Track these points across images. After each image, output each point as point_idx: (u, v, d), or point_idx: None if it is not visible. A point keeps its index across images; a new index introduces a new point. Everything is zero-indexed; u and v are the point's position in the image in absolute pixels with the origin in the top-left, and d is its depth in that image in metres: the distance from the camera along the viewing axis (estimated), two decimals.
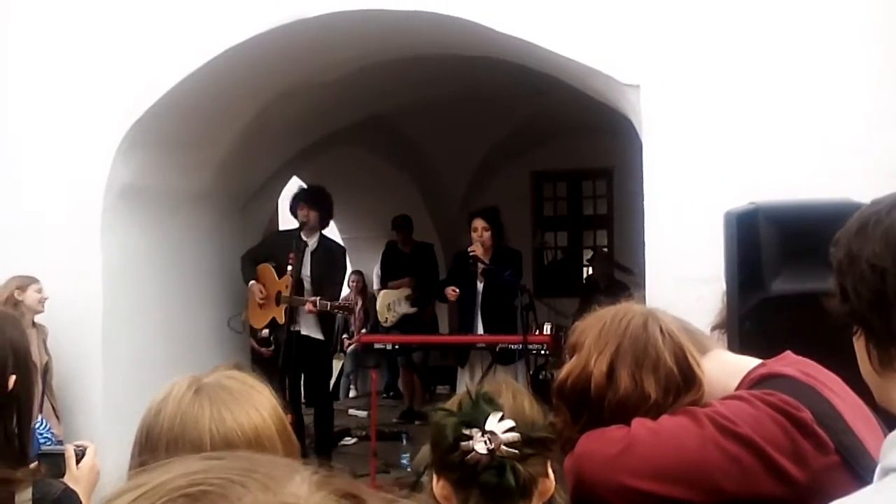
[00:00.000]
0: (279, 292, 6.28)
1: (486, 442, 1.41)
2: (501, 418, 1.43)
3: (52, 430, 4.79)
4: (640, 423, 1.53)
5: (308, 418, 6.74)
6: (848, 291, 1.10)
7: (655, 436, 1.50)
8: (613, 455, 1.50)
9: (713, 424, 1.47)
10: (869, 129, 4.07)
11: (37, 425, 4.68)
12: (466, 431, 1.43)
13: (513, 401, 1.50)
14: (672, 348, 1.58)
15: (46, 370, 5.14)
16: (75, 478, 2.09)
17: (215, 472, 0.56)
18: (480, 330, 6.27)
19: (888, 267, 1.05)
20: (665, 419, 1.53)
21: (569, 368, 1.63)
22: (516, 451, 1.42)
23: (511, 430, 1.42)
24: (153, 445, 1.34)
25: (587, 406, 1.58)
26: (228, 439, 1.31)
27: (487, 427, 1.42)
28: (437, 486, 1.49)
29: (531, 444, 1.45)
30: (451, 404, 1.50)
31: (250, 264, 6.49)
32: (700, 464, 1.45)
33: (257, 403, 1.36)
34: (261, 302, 6.38)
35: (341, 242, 7.88)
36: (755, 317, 2.09)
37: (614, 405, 1.56)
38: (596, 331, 1.62)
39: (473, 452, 1.42)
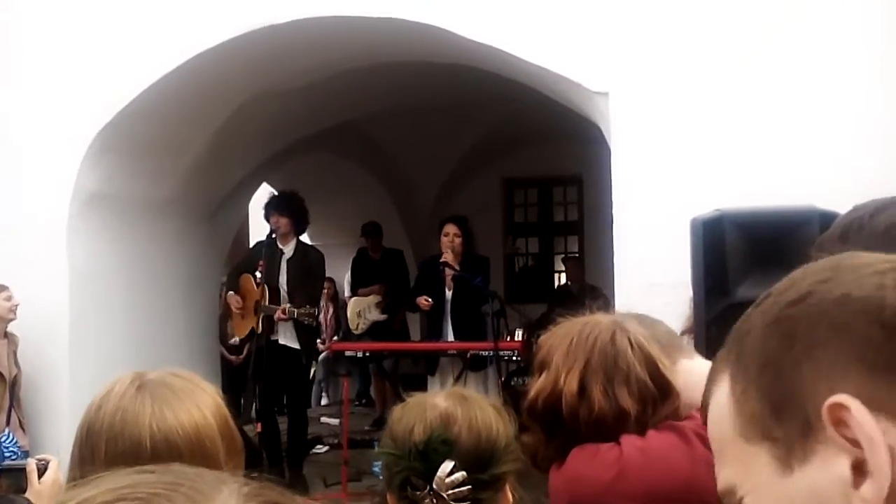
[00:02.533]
0: (257, 301, 6.24)
1: (432, 501, 1.38)
2: (452, 470, 1.38)
3: (17, 444, 4.70)
4: (629, 443, 1.51)
5: (281, 426, 6.69)
6: None
7: (646, 456, 1.49)
8: (608, 481, 1.49)
9: (702, 441, 1.45)
10: (834, 137, 4.13)
11: (3, 438, 4.61)
12: (414, 480, 1.39)
13: (468, 433, 1.44)
14: (643, 359, 1.56)
15: (15, 383, 5.03)
16: (37, 492, 2.04)
17: (142, 487, 0.56)
18: (450, 337, 6.25)
19: None
20: (653, 436, 1.52)
21: (538, 387, 1.59)
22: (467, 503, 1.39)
23: (462, 483, 1.38)
24: (93, 442, 1.31)
25: (561, 425, 1.56)
26: (169, 437, 1.29)
27: (435, 485, 1.38)
28: (389, 499, 1.48)
29: (484, 486, 1.41)
30: (402, 435, 1.44)
31: (236, 278, 6.49)
32: (693, 484, 1.45)
33: (200, 401, 1.34)
34: (238, 312, 6.37)
35: None
36: (721, 323, 2.10)
37: (591, 422, 1.54)
38: (564, 348, 1.59)
39: None
